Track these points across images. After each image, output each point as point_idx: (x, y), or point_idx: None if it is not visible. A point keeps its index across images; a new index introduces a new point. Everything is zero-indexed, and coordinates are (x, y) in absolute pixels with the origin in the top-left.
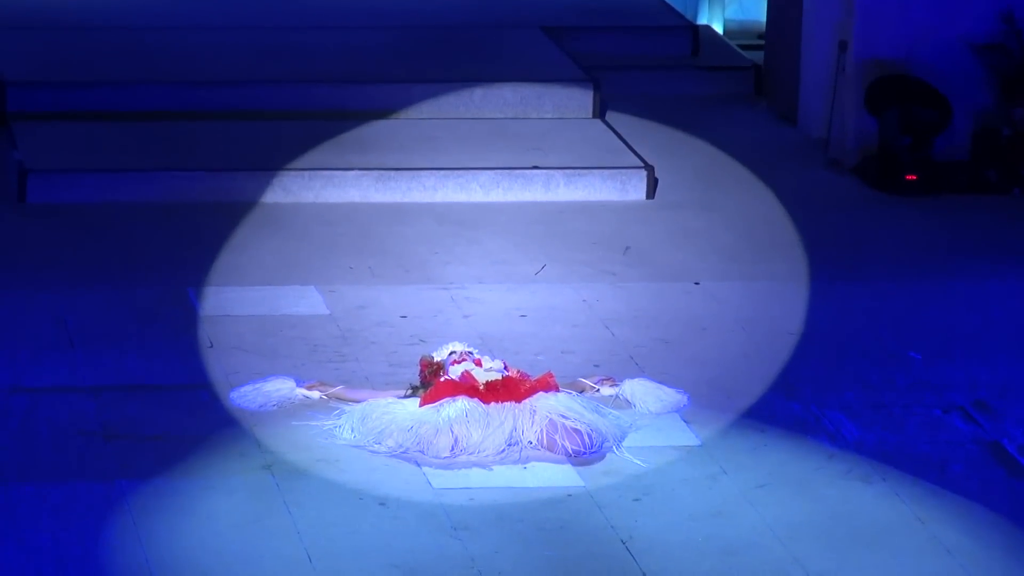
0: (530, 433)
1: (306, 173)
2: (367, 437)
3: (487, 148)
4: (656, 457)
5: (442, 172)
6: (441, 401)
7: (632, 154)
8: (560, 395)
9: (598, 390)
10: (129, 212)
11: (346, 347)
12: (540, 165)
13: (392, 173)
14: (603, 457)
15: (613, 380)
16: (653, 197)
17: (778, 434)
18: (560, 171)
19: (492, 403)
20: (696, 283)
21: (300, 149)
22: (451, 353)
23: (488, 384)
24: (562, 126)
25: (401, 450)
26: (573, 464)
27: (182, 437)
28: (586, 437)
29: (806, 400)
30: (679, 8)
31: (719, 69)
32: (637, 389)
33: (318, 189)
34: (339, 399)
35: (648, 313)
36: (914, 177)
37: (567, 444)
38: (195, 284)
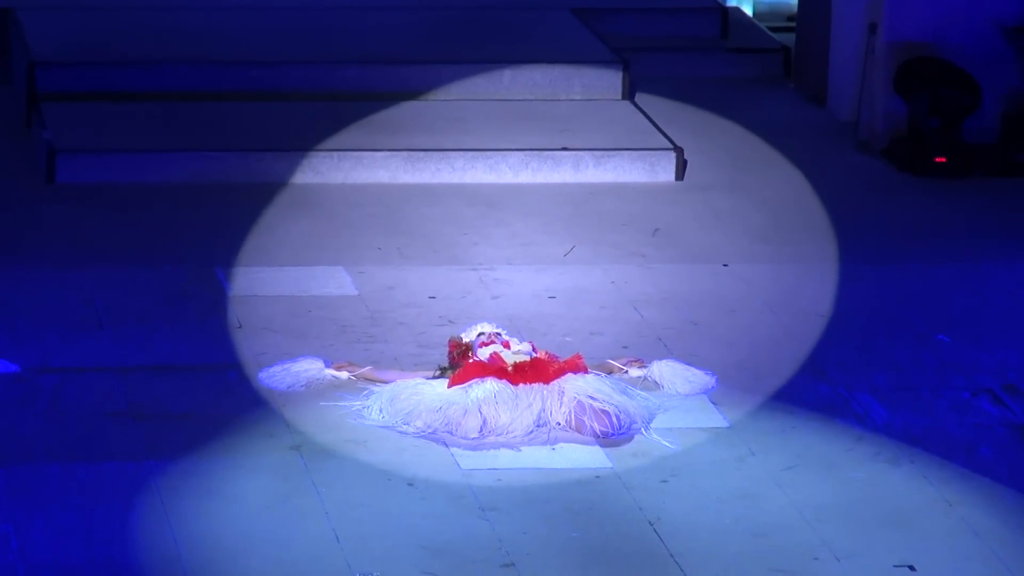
0: (558, 414)
1: (335, 154)
2: (395, 418)
3: (516, 129)
4: (684, 439)
5: (471, 153)
6: (470, 382)
7: (661, 136)
8: (588, 376)
9: (626, 371)
10: (158, 192)
11: (374, 328)
12: (569, 147)
13: (421, 154)
14: (631, 438)
15: (642, 361)
16: (682, 179)
17: (806, 416)
18: (589, 152)
19: (520, 384)
20: (725, 265)
21: (329, 130)
22: (480, 334)
23: (516, 365)
24: (591, 107)
25: (429, 431)
26: (601, 445)
27: (210, 417)
28: (614, 418)
29: (835, 382)
30: None
31: (748, 51)
32: (665, 371)
33: (347, 170)
34: (367, 380)
35: (677, 295)
36: (943, 159)
37: (595, 425)
38: (224, 264)
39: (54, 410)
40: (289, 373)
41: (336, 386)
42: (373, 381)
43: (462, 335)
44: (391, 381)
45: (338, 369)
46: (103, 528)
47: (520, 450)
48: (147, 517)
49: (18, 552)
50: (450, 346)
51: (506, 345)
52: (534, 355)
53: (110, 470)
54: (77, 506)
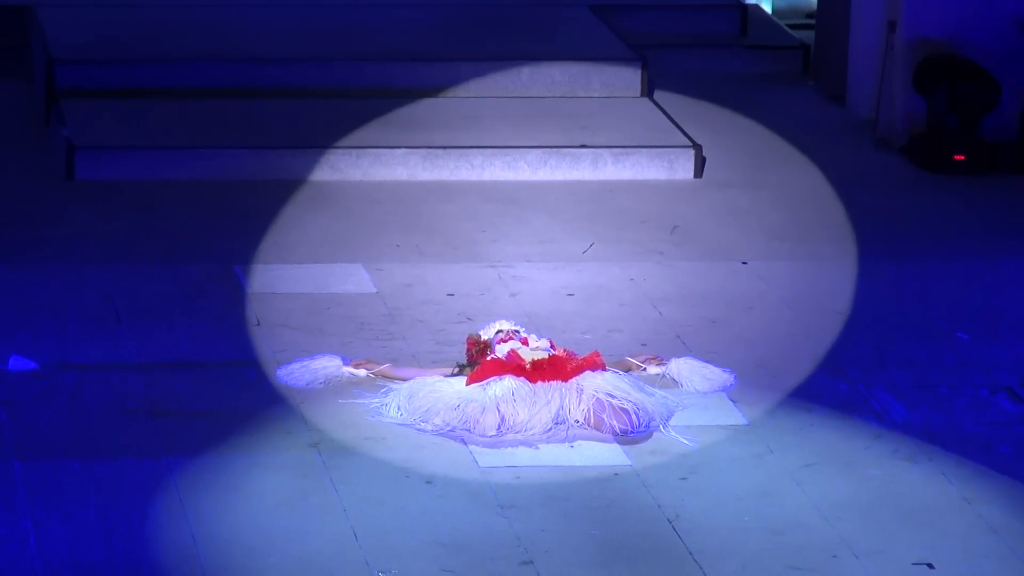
0: (577, 412)
1: (353, 151)
2: (414, 416)
3: (535, 127)
4: (703, 436)
5: (489, 151)
6: (488, 380)
7: (680, 133)
8: (607, 374)
9: (644, 369)
10: (176, 189)
11: (393, 325)
12: (588, 144)
13: (439, 151)
14: (650, 436)
15: (660, 359)
16: (701, 176)
17: (825, 414)
18: (608, 150)
19: (539, 382)
20: (743, 262)
21: (347, 127)
22: (498, 332)
23: (534, 363)
24: (610, 105)
25: (448, 428)
26: (620, 443)
27: (229, 414)
28: (634, 416)
29: (853, 380)
30: None
31: (767, 48)
32: (683, 368)
33: (365, 167)
34: (385, 377)
35: (695, 292)
36: (962, 157)
37: (614, 423)
38: (242, 261)
39: (73, 407)
40: (308, 370)
41: (354, 384)
42: (391, 378)
43: (480, 332)
44: (409, 378)
45: (356, 366)
46: (121, 525)
47: (538, 448)
48: (165, 514)
49: (36, 548)
50: (468, 343)
51: (524, 342)
52: (552, 352)
53: (128, 467)
54: (95, 503)
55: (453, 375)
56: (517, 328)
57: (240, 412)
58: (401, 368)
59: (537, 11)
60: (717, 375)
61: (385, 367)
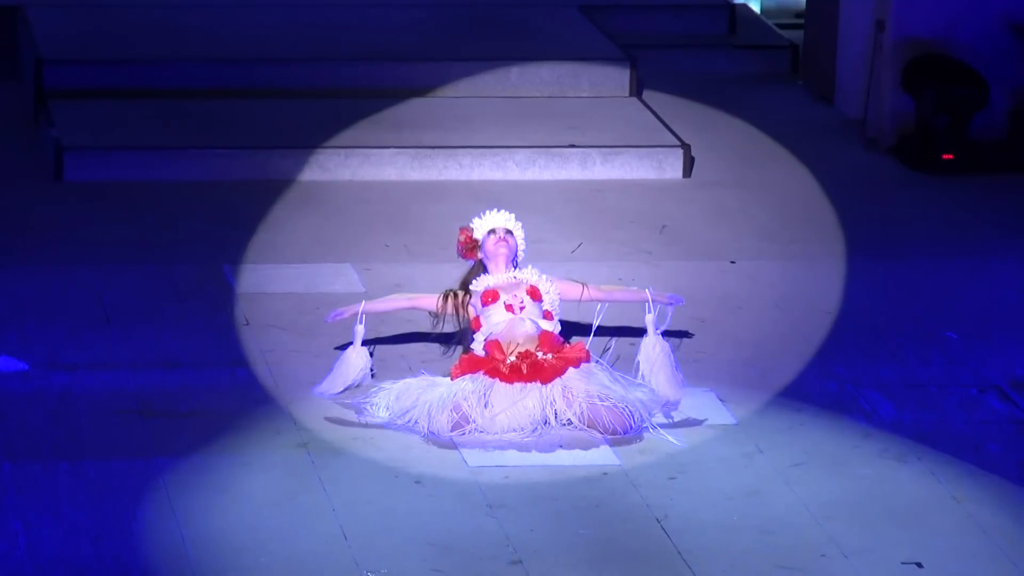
0: (568, 413)
1: (343, 151)
2: (397, 415)
3: (523, 126)
4: (692, 436)
5: (478, 150)
6: (460, 378)
7: (669, 133)
8: (594, 375)
9: (650, 310)
10: (165, 190)
11: (381, 325)
12: (577, 144)
13: (428, 151)
14: (640, 436)
15: (673, 304)
16: (689, 176)
17: (814, 413)
18: (596, 150)
19: (515, 383)
20: (732, 262)
21: (337, 127)
22: (491, 232)
23: (511, 365)
24: (599, 105)
25: (423, 430)
26: (609, 443)
27: (218, 414)
28: (631, 417)
29: (842, 379)
30: None
31: (756, 48)
32: (656, 361)
33: (354, 167)
34: (373, 313)
35: (684, 292)
36: (951, 156)
37: (614, 424)
38: (231, 262)
39: (62, 407)
40: (339, 376)
41: (350, 391)
42: (377, 313)
43: (473, 224)
44: (389, 308)
45: (350, 316)
46: (111, 525)
47: (529, 449)
48: (155, 514)
49: (26, 549)
50: (461, 238)
51: (509, 308)
52: (540, 327)
53: (118, 467)
54: (85, 503)
55: (436, 315)
56: (509, 227)
57: (229, 412)
58: (379, 301)
59: (526, 11)
60: (673, 388)
61: (361, 304)
